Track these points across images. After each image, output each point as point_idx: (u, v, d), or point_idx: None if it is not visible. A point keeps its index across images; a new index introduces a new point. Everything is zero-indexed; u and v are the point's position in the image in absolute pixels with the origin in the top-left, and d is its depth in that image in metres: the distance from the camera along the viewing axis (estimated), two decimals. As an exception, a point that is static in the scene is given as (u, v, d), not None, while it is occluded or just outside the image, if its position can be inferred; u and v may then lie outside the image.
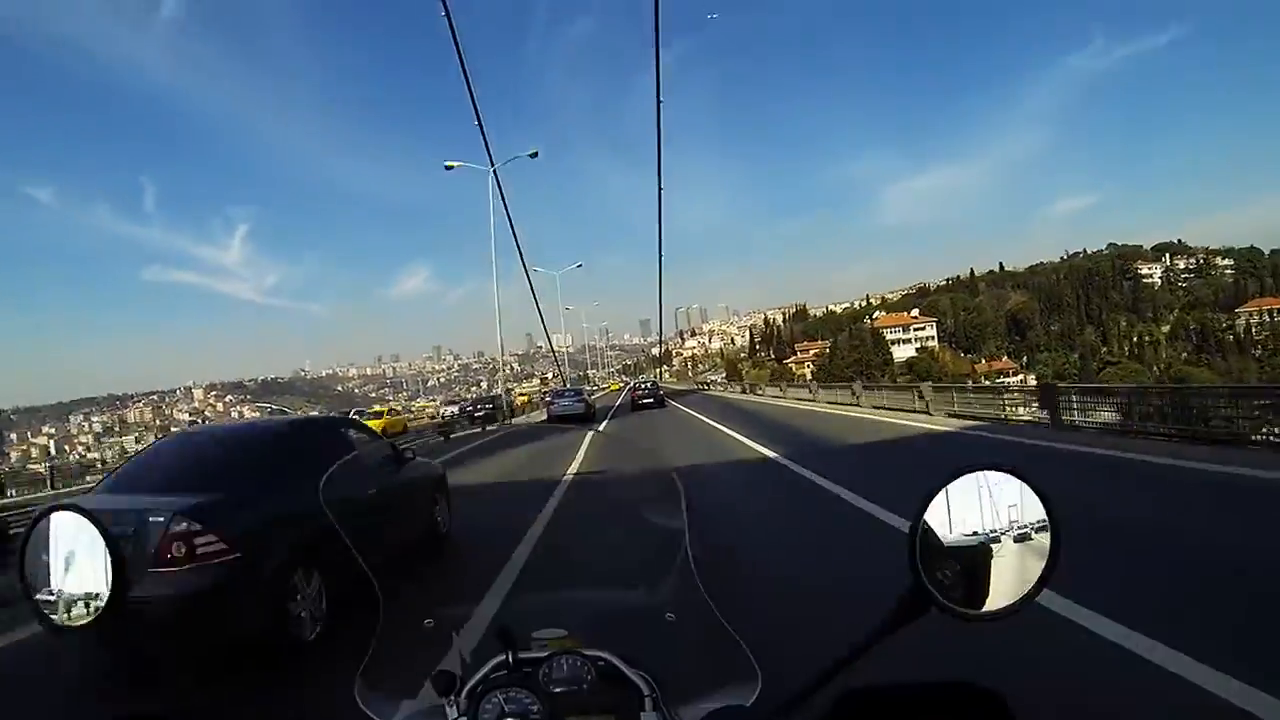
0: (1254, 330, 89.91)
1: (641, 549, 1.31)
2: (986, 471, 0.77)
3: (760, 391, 38.48)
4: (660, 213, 32.64)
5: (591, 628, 1.10)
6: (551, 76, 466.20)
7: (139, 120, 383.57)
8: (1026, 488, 0.76)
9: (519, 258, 33.28)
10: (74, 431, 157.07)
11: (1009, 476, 0.76)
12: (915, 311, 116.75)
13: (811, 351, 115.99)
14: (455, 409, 42.35)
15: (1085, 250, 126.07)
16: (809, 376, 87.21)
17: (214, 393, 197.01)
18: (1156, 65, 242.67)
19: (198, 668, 3.21)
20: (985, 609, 0.75)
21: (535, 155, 31.66)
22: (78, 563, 0.87)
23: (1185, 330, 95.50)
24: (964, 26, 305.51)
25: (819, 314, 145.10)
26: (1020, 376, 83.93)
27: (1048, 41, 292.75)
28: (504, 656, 1.00)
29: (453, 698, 0.95)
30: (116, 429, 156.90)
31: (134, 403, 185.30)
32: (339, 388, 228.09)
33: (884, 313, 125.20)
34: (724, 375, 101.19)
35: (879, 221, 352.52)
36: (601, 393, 71.78)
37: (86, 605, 0.85)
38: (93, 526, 0.86)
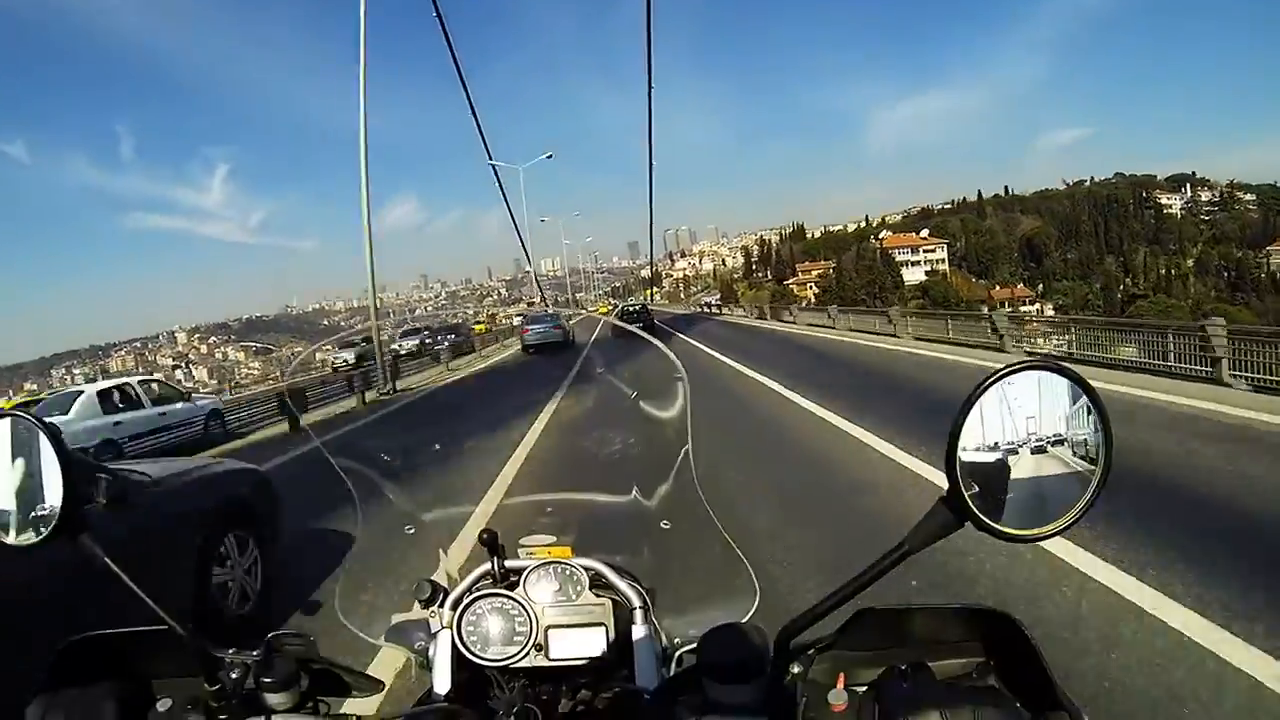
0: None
1: (638, 453, 1.21)
2: (1038, 371, 0.65)
3: (791, 318, 27.29)
4: (650, 117, 26.14)
5: (582, 535, 1.05)
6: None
7: (107, 64, 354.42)
8: (1081, 392, 0.65)
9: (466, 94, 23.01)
10: (56, 386, 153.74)
11: (1060, 378, 0.65)
12: (925, 232, 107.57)
13: (814, 272, 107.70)
14: (351, 354, 24.69)
15: (1092, 178, 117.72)
16: (812, 300, 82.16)
17: (197, 335, 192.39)
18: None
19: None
20: (1027, 527, 0.64)
21: None
22: (30, 474, 0.79)
23: (1215, 266, 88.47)
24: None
25: (816, 235, 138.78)
26: (1036, 305, 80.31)
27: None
28: (489, 565, 0.96)
29: (436, 609, 0.92)
30: (99, 379, 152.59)
31: (116, 351, 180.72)
32: (324, 322, 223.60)
33: (890, 233, 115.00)
34: (718, 296, 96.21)
35: (869, 146, 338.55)
36: (581, 317, 65.84)
37: (37, 524, 0.78)
38: (44, 435, 0.78)
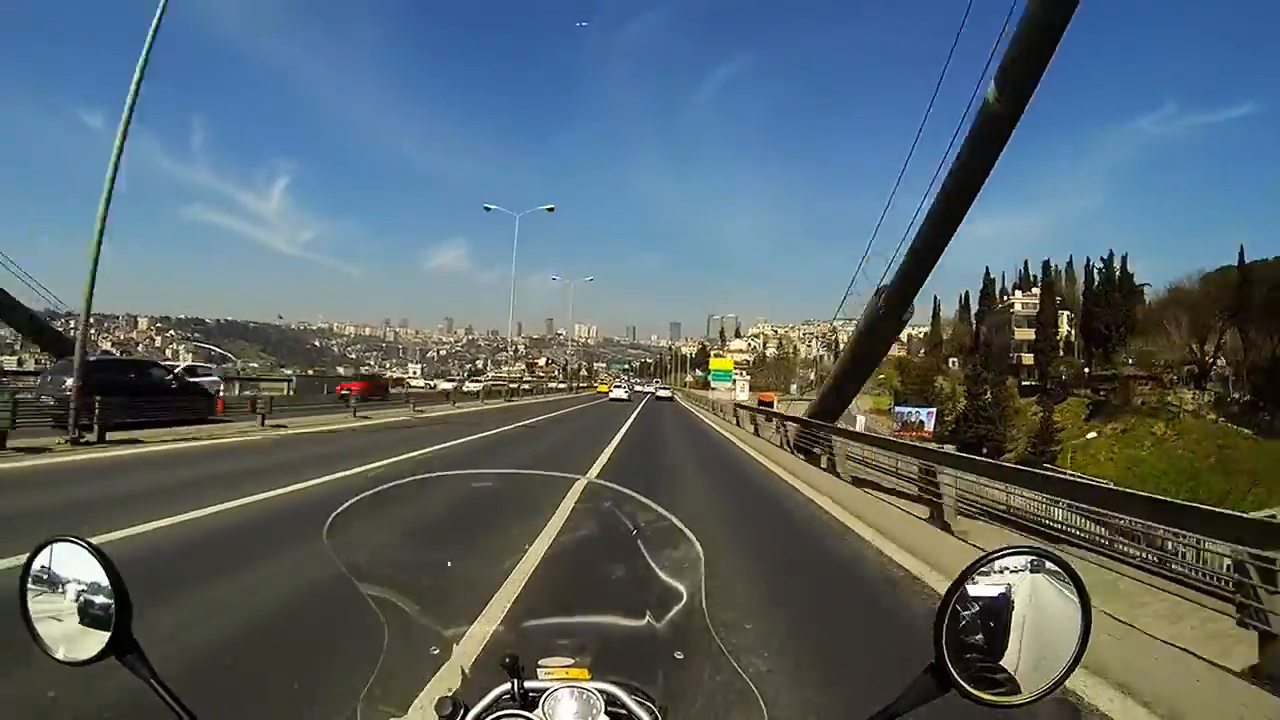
0: None
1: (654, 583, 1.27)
2: (1022, 555, 0.74)
3: None
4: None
5: (599, 658, 1.10)
6: (608, 71, 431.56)
7: (196, 58, 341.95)
8: (1061, 572, 0.73)
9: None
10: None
11: (1041, 559, 0.74)
12: None
13: None
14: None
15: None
16: None
17: (156, 326, 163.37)
18: None
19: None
20: (1007, 696, 0.71)
21: None
22: (81, 596, 0.84)
23: None
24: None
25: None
26: None
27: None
28: (509, 685, 0.99)
29: None
30: (17, 347, 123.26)
31: (55, 321, 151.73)
32: (316, 342, 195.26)
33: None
34: (924, 411, 48.18)
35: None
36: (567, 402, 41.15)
37: (90, 640, 0.83)
38: (94, 559, 0.84)
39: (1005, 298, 74.98)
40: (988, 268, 79.62)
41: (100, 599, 0.83)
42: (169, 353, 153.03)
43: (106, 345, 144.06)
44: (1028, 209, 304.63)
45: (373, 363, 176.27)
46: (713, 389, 76.72)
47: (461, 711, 0.95)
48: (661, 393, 63.52)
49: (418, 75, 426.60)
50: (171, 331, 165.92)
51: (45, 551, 0.88)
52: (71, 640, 0.84)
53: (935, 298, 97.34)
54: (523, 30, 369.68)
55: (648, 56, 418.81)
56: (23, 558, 0.93)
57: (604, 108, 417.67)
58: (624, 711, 0.96)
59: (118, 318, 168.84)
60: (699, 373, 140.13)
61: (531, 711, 0.93)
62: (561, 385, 76.83)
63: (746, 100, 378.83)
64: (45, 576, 0.86)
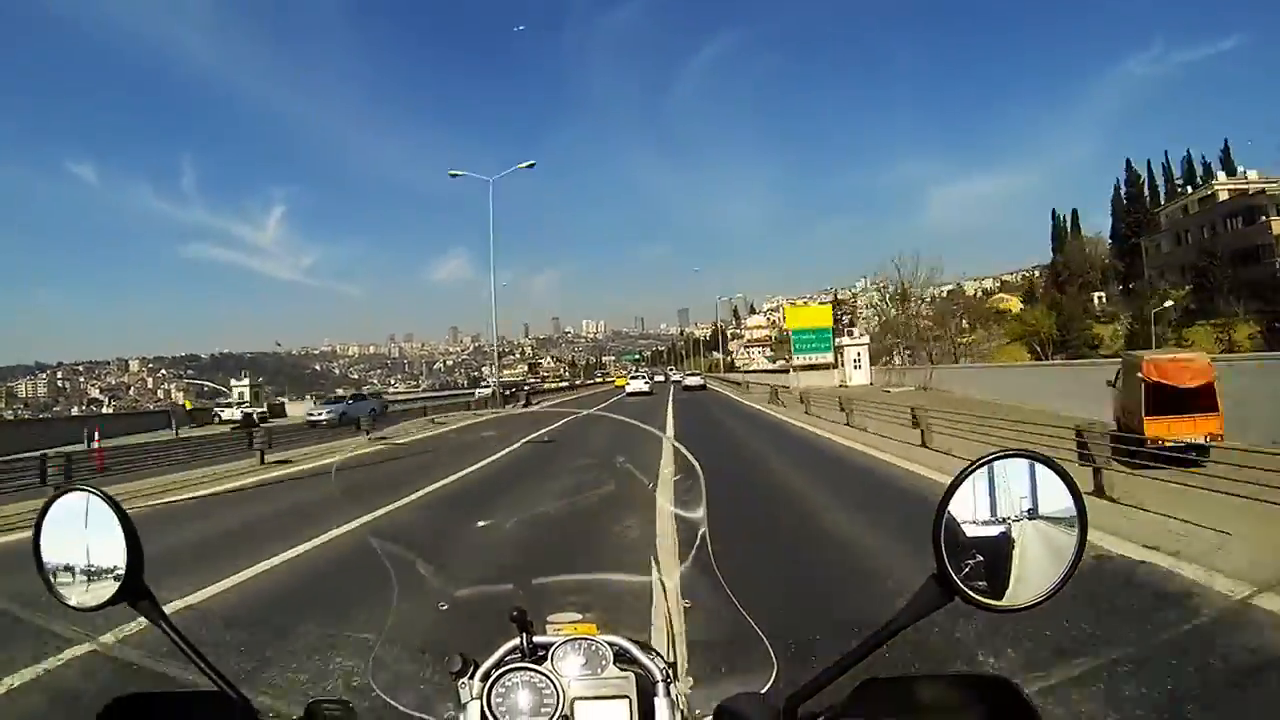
0: None
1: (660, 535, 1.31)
2: (1014, 459, 0.74)
3: None
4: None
5: (607, 612, 1.12)
6: (594, 63, 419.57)
7: (180, 97, 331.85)
8: (1054, 475, 0.73)
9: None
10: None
11: (1037, 464, 0.73)
12: None
13: None
14: None
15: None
16: None
17: (149, 365, 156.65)
18: None
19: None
20: (1010, 600, 0.72)
21: None
22: (94, 544, 0.86)
23: None
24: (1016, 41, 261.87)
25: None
26: None
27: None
28: (519, 640, 1.00)
29: (467, 680, 0.95)
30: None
31: (43, 373, 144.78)
32: (317, 366, 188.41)
33: None
34: None
35: (921, 223, 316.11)
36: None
37: (103, 586, 0.85)
38: (109, 508, 0.86)
39: (1191, 188, 51.39)
40: (1129, 159, 57.58)
41: (112, 546, 0.85)
42: (160, 393, 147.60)
43: (95, 392, 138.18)
44: (1014, 168, 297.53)
45: (376, 381, 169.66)
46: (779, 369, 51.95)
47: (472, 667, 0.95)
48: (690, 380, 52.79)
49: (406, 93, 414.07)
50: (163, 371, 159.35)
51: (59, 500, 0.89)
52: (84, 587, 0.86)
53: (1055, 212, 71.02)
54: (505, 38, 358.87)
55: (630, 48, 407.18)
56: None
57: (594, 104, 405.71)
58: (633, 663, 0.96)
59: (109, 363, 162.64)
60: (717, 355, 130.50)
61: (541, 665, 0.93)
62: (492, 389, 41.80)
63: (734, 80, 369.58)
64: (59, 525, 0.88)
